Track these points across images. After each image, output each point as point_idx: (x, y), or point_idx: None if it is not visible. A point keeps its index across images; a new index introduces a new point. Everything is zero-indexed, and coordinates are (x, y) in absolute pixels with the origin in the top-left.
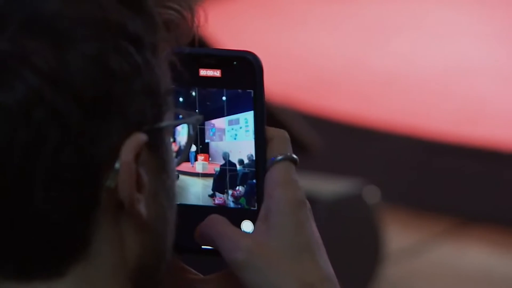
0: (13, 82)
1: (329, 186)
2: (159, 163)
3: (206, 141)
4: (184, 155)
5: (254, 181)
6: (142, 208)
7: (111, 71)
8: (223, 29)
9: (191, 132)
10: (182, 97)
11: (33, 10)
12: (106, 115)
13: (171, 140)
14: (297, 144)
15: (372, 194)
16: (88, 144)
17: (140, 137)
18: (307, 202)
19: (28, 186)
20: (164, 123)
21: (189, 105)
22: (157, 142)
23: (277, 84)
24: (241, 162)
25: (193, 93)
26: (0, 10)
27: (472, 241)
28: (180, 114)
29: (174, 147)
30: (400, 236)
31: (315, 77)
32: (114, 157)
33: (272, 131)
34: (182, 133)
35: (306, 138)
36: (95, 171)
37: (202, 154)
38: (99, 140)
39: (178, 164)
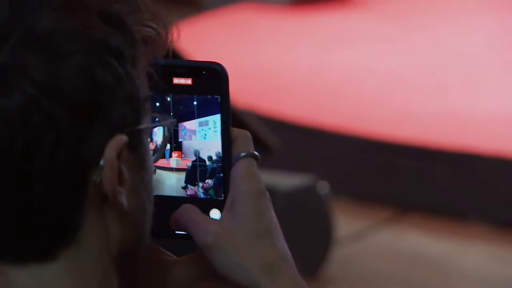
0: (13, 90)
1: (286, 180)
2: (138, 160)
3: (180, 140)
4: (160, 153)
5: (221, 174)
6: (123, 200)
7: (97, 82)
8: (195, 44)
9: (166, 133)
10: (158, 102)
11: (30, 28)
12: (93, 120)
13: (149, 140)
14: (258, 144)
15: (323, 187)
16: (77, 145)
17: (121, 139)
18: (267, 193)
19: (26, 181)
20: (142, 126)
21: (165, 109)
22: (137, 142)
23: (241, 91)
24: (210, 158)
25: (168, 99)
26: (2, 26)
27: (409, 227)
28: (156, 118)
29: (152, 146)
30: (347, 223)
31: (274, 85)
32: (99, 156)
33: (236, 132)
34: (158, 134)
35: (266, 138)
36: (83, 168)
37: (176, 152)
38: (86, 142)
39: (155, 161)
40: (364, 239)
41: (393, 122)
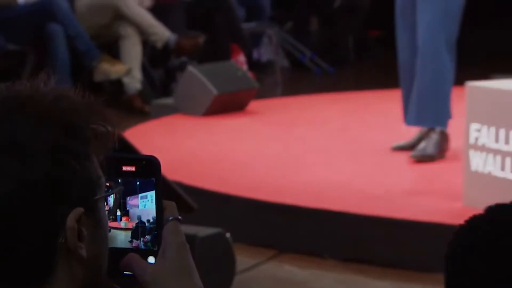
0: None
1: (203, 231)
2: (95, 221)
3: (127, 209)
4: (112, 211)
5: (156, 232)
6: (82, 252)
7: (60, 176)
8: (143, 140)
9: (117, 196)
10: (113, 182)
11: (11, 138)
12: (58, 201)
13: (105, 203)
14: (183, 205)
15: (228, 236)
16: (49, 219)
17: (79, 210)
18: (187, 244)
19: (12, 244)
20: (96, 196)
21: (116, 188)
22: (93, 208)
23: (172, 169)
24: (148, 221)
25: (119, 180)
26: None
27: (284, 261)
28: (110, 187)
29: (106, 207)
30: (244, 260)
31: (194, 164)
32: (63, 223)
33: (166, 203)
34: (111, 198)
35: (189, 201)
36: (52, 233)
37: (124, 217)
38: (54, 215)
39: (109, 216)
40: (255, 270)
41: (272, 190)
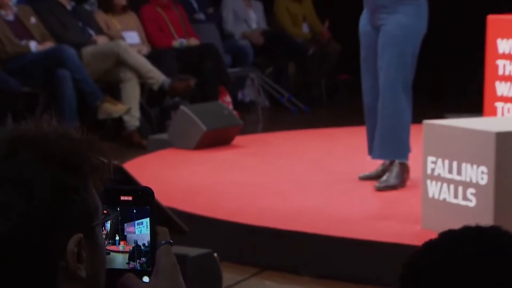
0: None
1: (193, 251)
2: (94, 244)
3: (125, 234)
4: (110, 235)
5: (150, 255)
6: (82, 272)
7: (61, 208)
8: (141, 171)
9: (113, 222)
10: (112, 210)
11: (18, 174)
12: (60, 229)
13: (102, 228)
14: (176, 228)
15: (215, 255)
16: (51, 245)
17: (78, 236)
18: (177, 265)
19: (21, 267)
20: (94, 223)
21: (114, 215)
22: (92, 234)
23: (167, 196)
24: (143, 245)
25: (118, 209)
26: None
27: (266, 277)
28: (107, 214)
29: (104, 231)
30: (230, 277)
31: (187, 192)
32: (65, 248)
33: (159, 228)
34: (108, 224)
35: (181, 224)
36: (55, 256)
37: (122, 241)
38: (56, 241)
39: (108, 241)
40: (239, 285)
41: (255, 214)
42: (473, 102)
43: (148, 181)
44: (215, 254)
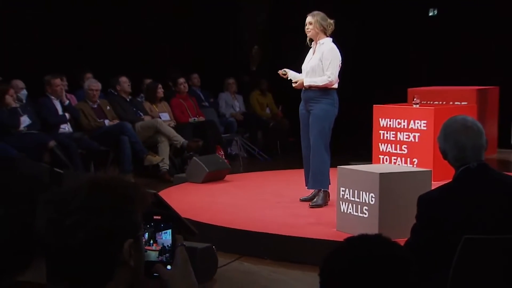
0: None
1: (200, 245)
2: (138, 246)
3: (157, 239)
4: (147, 241)
5: (172, 252)
6: (131, 262)
7: (122, 225)
8: (167, 197)
9: (148, 232)
10: (149, 225)
11: (97, 206)
12: (120, 236)
13: (143, 237)
14: (189, 232)
15: (214, 248)
16: (116, 246)
17: (130, 240)
18: (188, 259)
19: (95, 262)
20: (139, 233)
21: (150, 228)
22: (137, 239)
23: (183, 212)
24: (168, 246)
25: (152, 224)
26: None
27: (257, 262)
28: (145, 228)
29: (144, 239)
30: (223, 260)
31: (199, 210)
32: (122, 247)
33: (177, 236)
34: (146, 234)
35: (193, 229)
36: (117, 253)
37: (155, 244)
38: (118, 245)
39: (146, 244)
40: (227, 266)
41: (239, 222)
42: (367, 155)
43: (173, 203)
44: (213, 247)
